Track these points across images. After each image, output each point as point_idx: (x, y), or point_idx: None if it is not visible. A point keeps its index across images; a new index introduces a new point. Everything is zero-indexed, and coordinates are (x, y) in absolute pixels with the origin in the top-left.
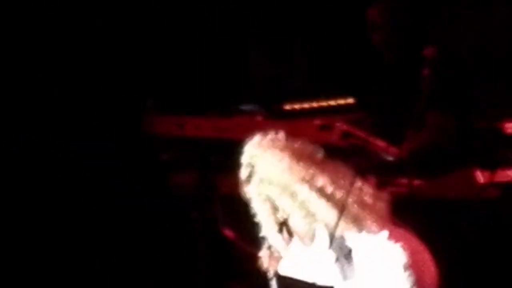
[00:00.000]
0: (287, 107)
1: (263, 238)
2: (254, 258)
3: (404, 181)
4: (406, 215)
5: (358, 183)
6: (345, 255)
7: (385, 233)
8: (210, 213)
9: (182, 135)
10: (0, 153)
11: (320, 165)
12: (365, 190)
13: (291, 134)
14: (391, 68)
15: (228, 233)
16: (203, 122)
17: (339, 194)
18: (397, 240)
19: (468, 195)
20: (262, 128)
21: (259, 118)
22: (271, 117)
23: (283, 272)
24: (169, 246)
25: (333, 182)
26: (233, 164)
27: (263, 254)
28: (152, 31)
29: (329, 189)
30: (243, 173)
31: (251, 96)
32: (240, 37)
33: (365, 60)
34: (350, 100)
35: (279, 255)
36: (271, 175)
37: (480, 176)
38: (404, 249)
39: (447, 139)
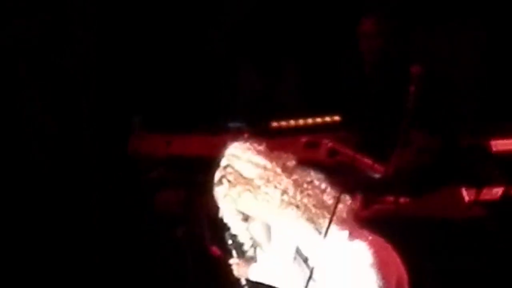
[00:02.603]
0: (274, 124)
1: (232, 245)
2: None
3: (390, 198)
4: (392, 232)
5: (322, 185)
6: (303, 259)
7: (345, 233)
8: (197, 230)
9: (169, 153)
10: None
11: (290, 171)
12: (327, 191)
13: (277, 151)
14: (377, 86)
15: (215, 250)
16: (189, 140)
17: (299, 198)
18: (360, 240)
19: (454, 213)
20: None
21: (246, 135)
22: (258, 134)
23: (254, 278)
24: (155, 264)
25: (297, 186)
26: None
27: (233, 261)
28: (139, 49)
29: (291, 192)
30: (217, 174)
31: (238, 113)
32: (228, 55)
33: (351, 79)
34: (337, 118)
35: (248, 261)
36: (244, 172)
37: (466, 194)
38: (368, 248)
39: (433, 157)
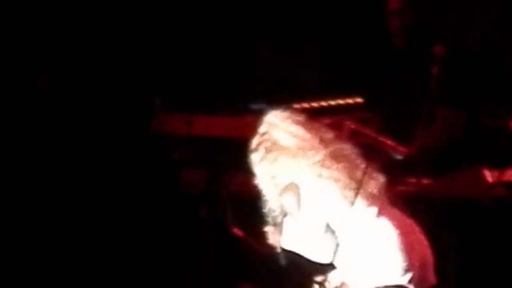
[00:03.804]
0: (296, 106)
1: (267, 212)
2: (264, 256)
3: (413, 179)
4: (416, 213)
5: (357, 160)
6: (332, 231)
7: (373, 210)
8: (219, 211)
9: (191, 134)
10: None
11: (327, 143)
12: (361, 166)
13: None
14: (400, 66)
15: (237, 231)
16: (212, 120)
17: (333, 170)
18: (387, 219)
19: (477, 193)
20: None
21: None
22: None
23: (286, 246)
24: (178, 244)
25: (333, 158)
26: (242, 162)
27: (268, 229)
28: (160, 30)
29: (325, 163)
30: (254, 141)
31: (260, 95)
32: (250, 36)
33: (374, 59)
34: (359, 99)
35: (281, 230)
36: (282, 141)
37: (489, 175)
38: (395, 228)
39: (456, 138)
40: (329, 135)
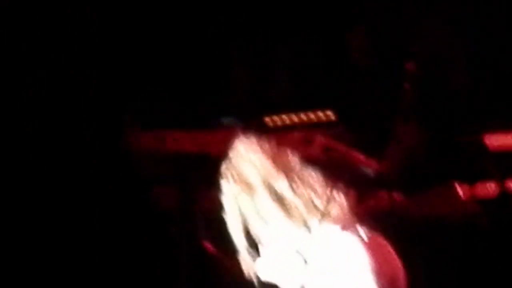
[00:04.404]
0: (268, 120)
1: (236, 240)
2: (236, 272)
3: (384, 195)
4: (386, 229)
5: (318, 187)
6: (302, 258)
7: (337, 228)
8: (191, 227)
9: (162, 150)
10: None
11: (290, 170)
12: (325, 191)
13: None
14: (371, 81)
15: (209, 247)
16: (183, 136)
17: (293, 199)
18: (355, 236)
19: (449, 209)
20: None
21: (239, 132)
22: (252, 131)
23: (261, 275)
24: (149, 261)
25: (294, 186)
26: (214, 178)
27: (242, 258)
28: (131, 47)
29: (286, 194)
30: (223, 166)
31: (232, 109)
32: (221, 50)
33: (346, 74)
34: (331, 114)
35: (253, 258)
36: (244, 172)
37: (461, 191)
38: (363, 245)
39: (427, 153)
40: (295, 161)
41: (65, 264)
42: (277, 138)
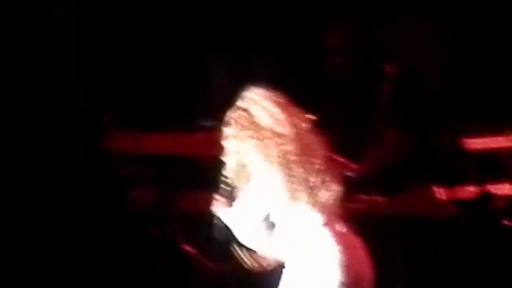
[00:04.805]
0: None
1: (222, 181)
2: (214, 272)
3: (364, 197)
4: (366, 230)
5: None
6: (268, 225)
7: (320, 218)
8: (169, 229)
9: (141, 151)
10: None
11: (300, 136)
12: (320, 171)
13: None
14: (350, 83)
15: (188, 249)
16: (161, 137)
17: (295, 167)
18: (332, 231)
19: (428, 211)
20: (222, 144)
21: (217, 134)
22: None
23: (225, 220)
24: (127, 262)
25: (300, 153)
26: (192, 179)
27: (217, 197)
28: (110, 47)
29: (292, 158)
30: (233, 115)
31: (211, 111)
32: (200, 52)
33: (324, 77)
34: (312, 117)
35: (228, 204)
36: (258, 119)
37: (440, 193)
38: (336, 241)
39: (406, 156)
40: (305, 125)
41: (44, 263)
42: None
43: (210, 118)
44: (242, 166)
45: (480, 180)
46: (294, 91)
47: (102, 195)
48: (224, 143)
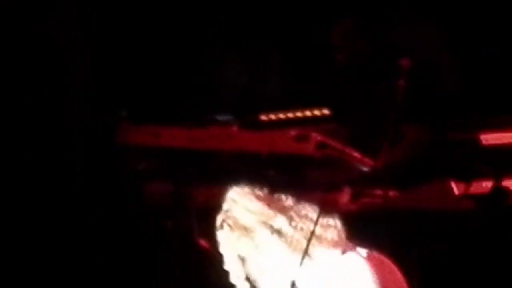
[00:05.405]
0: (263, 117)
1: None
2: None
3: (379, 192)
4: (381, 226)
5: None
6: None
7: (337, 252)
8: (185, 223)
9: (157, 145)
10: None
11: (287, 210)
12: (319, 222)
13: (267, 145)
14: (366, 78)
15: (202, 243)
16: (178, 132)
17: (294, 234)
18: (354, 255)
19: (443, 206)
20: (237, 138)
21: (234, 128)
22: (247, 127)
23: None
24: (143, 256)
25: (291, 222)
26: (208, 174)
27: None
28: (126, 42)
29: (286, 230)
30: (219, 218)
31: (227, 106)
32: (215, 47)
33: (341, 71)
34: (326, 111)
35: None
36: (241, 219)
37: (455, 188)
38: (364, 262)
39: (422, 151)
40: (289, 202)
41: (58, 257)
42: (272, 135)
43: (226, 112)
44: (243, 259)
45: (496, 175)
46: (310, 85)
47: (118, 189)
48: (223, 250)
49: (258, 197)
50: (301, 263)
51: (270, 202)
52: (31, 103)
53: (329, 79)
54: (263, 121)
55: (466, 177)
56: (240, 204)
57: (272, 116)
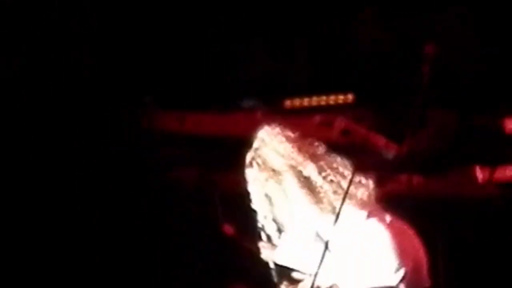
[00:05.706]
0: (287, 103)
1: (260, 227)
2: (254, 254)
3: (403, 178)
4: (405, 211)
5: (346, 172)
6: (324, 243)
7: (363, 213)
8: (210, 209)
9: (183, 131)
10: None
11: (317, 158)
12: (348, 176)
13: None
14: (391, 64)
15: (228, 229)
16: (203, 118)
17: (323, 185)
18: (379, 221)
19: (468, 192)
20: (262, 124)
21: (259, 114)
22: (271, 113)
23: (279, 261)
24: (169, 243)
25: (321, 172)
26: (234, 160)
27: (261, 244)
28: (152, 29)
29: (315, 179)
30: (248, 155)
31: (251, 92)
32: (240, 33)
33: (366, 57)
34: (350, 97)
35: (274, 245)
36: (269, 160)
37: (480, 174)
38: (386, 229)
39: (448, 137)
40: (321, 150)
41: (84, 238)
42: (297, 121)
43: (252, 98)
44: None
45: None
46: (335, 71)
47: (144, 174)
48: (251, 188)
49: (288, 138)
50: (335, 222)
51: (301, 146)
52: (57, 87)
53: (354, 65)
54: (288, 107)
55: (491, 163)
56: (269, 145)
57: (297, 102)
